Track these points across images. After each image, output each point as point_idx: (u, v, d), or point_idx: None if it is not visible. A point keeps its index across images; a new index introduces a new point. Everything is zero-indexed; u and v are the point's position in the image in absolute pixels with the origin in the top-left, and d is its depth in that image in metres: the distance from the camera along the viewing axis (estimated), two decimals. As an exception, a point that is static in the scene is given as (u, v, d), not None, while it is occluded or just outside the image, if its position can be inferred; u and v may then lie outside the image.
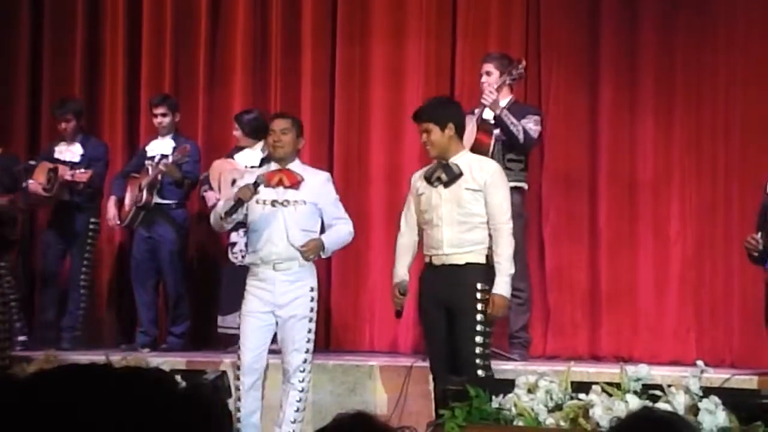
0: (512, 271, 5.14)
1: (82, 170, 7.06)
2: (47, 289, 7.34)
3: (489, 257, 5.13)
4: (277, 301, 5.31)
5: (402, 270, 5.34)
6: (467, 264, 5.09)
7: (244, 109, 7.24)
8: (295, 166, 5.48)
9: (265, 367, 5.43)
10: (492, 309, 5.07)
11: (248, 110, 7.15)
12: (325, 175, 5.66)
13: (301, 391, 5.35)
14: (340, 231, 5.49)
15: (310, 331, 5.36)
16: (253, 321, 5.33)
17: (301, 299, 5.34)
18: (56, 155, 7.26)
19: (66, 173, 7.05)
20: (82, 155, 7.22)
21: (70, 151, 7.25)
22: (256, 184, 5.31)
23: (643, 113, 6.78)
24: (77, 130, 7.32)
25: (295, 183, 5.39)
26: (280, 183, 5.39)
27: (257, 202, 5.36)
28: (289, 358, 5.34)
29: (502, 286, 5.08)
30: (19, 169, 7.31)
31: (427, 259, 5.23)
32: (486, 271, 5.11)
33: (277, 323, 5.35)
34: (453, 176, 5.13)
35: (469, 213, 5.10)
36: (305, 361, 5.35)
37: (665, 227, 6.71)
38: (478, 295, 5.06)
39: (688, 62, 6.72)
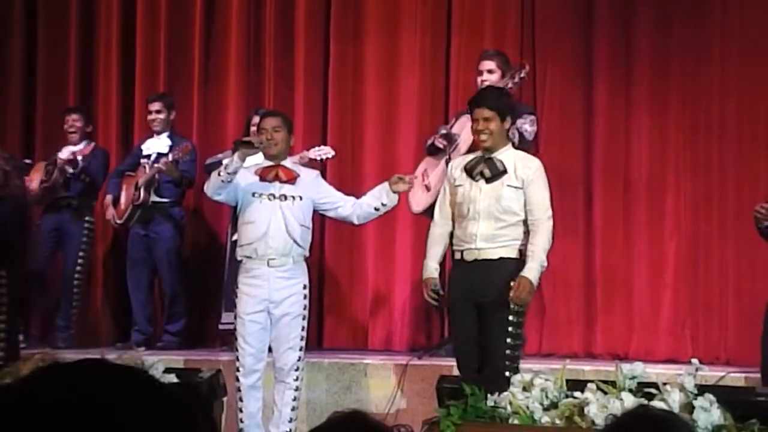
0: (545, 263, 4.95)
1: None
2: (38, 289, 7.32)
3: (522, 252, 4.95)
4: (271, 298, 5.29)
5: (432, 263, 5.07)
6: (500, 259, 4.91)
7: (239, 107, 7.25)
8: (288, 164, 5.50)
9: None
10: (516, 290, 4.81)
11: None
12: (315, 172, 5.70)
13: (297, 389, 5.34)
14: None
15: (303, 329, 5.34)
16: (251, 323, 5.31)
17: (294, 297, 5.32)
18: (59, 155, 7.28)
19: (63, 163, 7.08)
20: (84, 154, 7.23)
21: (71, 152, 7.27)
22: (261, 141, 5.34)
23: (637, 110, 6.79)
24: (84, 135, 7.35)
25: (292, 178, 5.40)
26: (276, 178, 5.37)
27: (253, 195, 5.35)
28: (284, 356, 5.32)
29: (532, 271, 4.87)
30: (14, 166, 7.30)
31: (458, 255, 5.03)
32: (519, 266, 4.92)
33: (270, 321, 5.34)
34: (497, 173, 4.97)
35: (507, 210, 4.95)
36: (299, 359, 5.34)
37: (660, 224, 6.72)
38: (511, 293, 4.86)
39: (683, 59, 6.73)
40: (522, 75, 6.20)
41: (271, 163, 5.44)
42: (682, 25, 6.75)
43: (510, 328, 4.87)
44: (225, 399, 5.26)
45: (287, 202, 5.35)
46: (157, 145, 7.15)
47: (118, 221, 7.15)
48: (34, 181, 7.12)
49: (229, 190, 5.33)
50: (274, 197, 5.35)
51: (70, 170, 7.12)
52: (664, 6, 6.80)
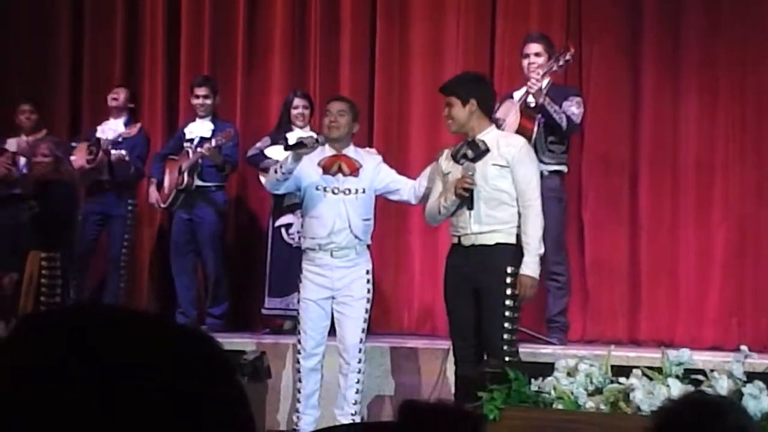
0: (541, 250, 5.00)
1: (122, 152, 7.13)
2: (83, 272, 7.37)
3: (519, 237, 4.99)
4: (334, 286, 5.39)
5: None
6: (497, 245, 4.96)
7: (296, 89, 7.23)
8: (350, 151, 5.50)
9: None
10: (520, 290, 4.93)
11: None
12: (378, 159, 5.63)
13: (360, 372, 5.41)
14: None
15: (366, 311, 5.42)
16: (314, 308, 5.40)
17: (357, 282, 5.40)
18: (98, 134, 7.32)
19: (108, 143, 7.13)
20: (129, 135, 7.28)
21: (112, 130, 7.31)
22: (317, 141, 5.34)
23: (686, 94, 6.69)
24: (126, 111, 7.38)
25: (355, 170, 5.42)
26: (339, 170, 5.41)
27: (317, 188, 5.39)
28: (347, 336, 5.38)
29: (530, 266, 4.93)
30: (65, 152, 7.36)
31: (455, 240, 5.11)
32: (515, 252, 4.97)
33: (333, 307, 5.41)
34: (479, 152, 5.00)
35: (496, 189, 4.97)
36: (361, 340, 5.41)
37: (708, 211, 6.63)
38: (508, 279, 4.93)
39: (733, 42, 6.63)
40: (567, 58, 6.14)
41: (333, 152, 5.44)
42: (732, 11, 6.64)
43: (507, 313, 4.93)
44: (269, 381, 5.27)
45: (351, 197, 5.39)
46: (200, 128, 7.16)
47: (162, 205, 7.18)
48: (78, 161, 7.16)
49: (288, 184, 5.41)
50: (338, 190, 5.38)
51: (114, 152, 7.15)
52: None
